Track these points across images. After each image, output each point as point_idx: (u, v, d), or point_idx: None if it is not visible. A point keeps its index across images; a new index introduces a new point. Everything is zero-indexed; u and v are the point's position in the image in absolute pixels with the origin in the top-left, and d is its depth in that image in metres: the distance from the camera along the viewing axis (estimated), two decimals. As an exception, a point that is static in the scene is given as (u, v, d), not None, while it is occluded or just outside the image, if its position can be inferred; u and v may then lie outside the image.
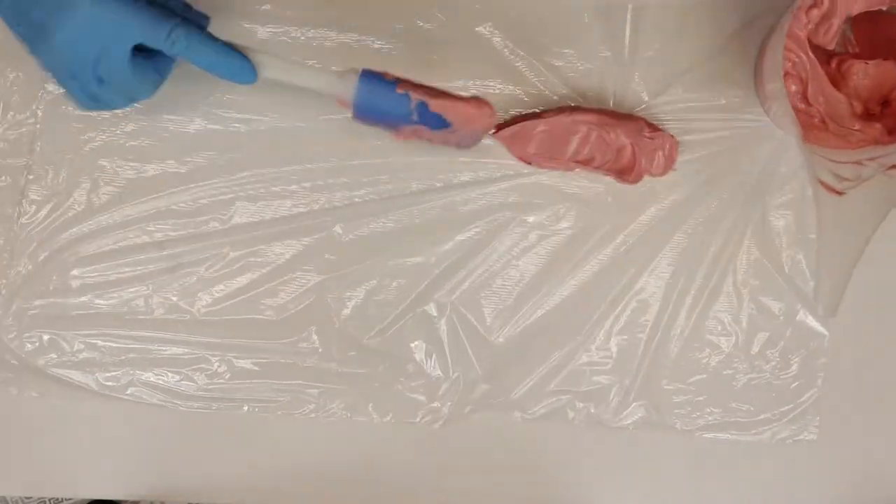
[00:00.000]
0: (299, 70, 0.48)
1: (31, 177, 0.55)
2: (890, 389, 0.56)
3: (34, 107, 0.55)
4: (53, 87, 0.55)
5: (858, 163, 0.48)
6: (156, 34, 0.44)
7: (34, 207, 0.55)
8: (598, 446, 0.56)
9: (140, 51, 0.46)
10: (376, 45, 0.54)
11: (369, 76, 0.48)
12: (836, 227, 0.47)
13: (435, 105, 0.48)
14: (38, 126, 0.55)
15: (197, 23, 0.47)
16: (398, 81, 0.48)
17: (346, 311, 0.55)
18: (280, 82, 0.48)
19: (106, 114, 0.55)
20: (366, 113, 0.49)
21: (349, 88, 0.48)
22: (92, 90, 0.46)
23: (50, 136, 0.55)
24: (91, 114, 0.55)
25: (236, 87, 0.49)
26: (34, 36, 0.44)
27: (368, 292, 0.55)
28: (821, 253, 0.47)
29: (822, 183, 0.47)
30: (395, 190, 0.55)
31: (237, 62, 0.47)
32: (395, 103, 0.48)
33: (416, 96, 0.48)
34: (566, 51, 0.55)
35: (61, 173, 0.55)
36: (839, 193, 0.46)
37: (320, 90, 0.49)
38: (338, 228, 0.55)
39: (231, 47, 0.47)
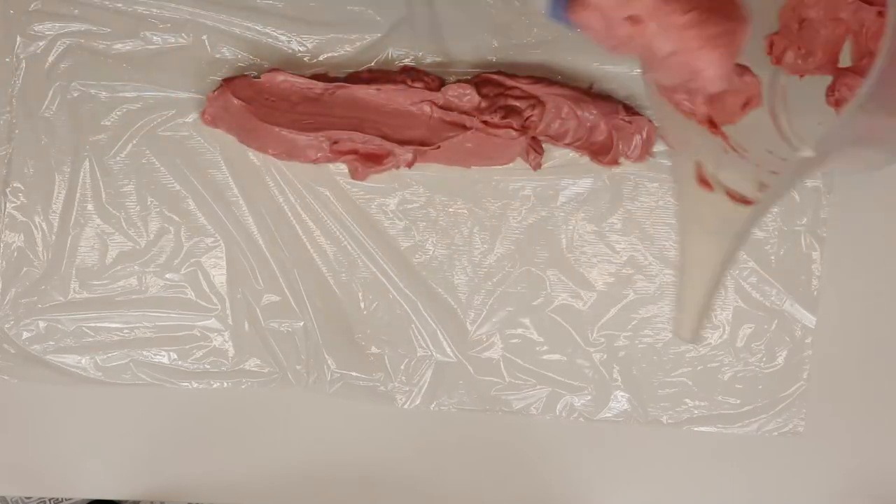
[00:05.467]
0: None
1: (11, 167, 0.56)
2: (877, 381, 0.55)
3: (10, 92, 0.56)
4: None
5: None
6: None
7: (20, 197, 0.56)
8: (586, 440, 0.56)
9: None
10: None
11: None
12: (713, 236, 0.42)
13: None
14: (13, 113, 0.56)
15: None
16: None
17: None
18: None
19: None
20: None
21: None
22: None
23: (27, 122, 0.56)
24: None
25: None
26: None
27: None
28: (688, 268, 0.43)
29: (730, 194, 0.42)
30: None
31: None
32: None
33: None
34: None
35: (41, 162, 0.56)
36: (748, 203, 0.42)
37: None
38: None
39: None
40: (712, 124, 0.45)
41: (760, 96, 0.47)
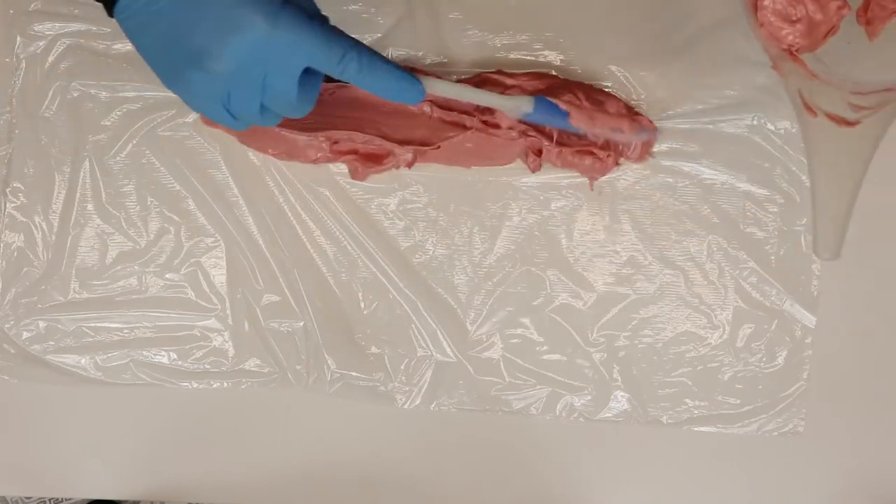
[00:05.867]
0: (466, 91, 0.48)
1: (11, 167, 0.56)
2: (877, 381, 0.56)
3: (10, 92, 0.56)
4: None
5: (890, 89, 0.44)
6: (328, 58, 0.40)
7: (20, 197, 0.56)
8: (586, 440, 0.56)
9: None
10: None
11: (544, 105, 0.49)
12: (833, 158, 0.44)
13: (601, 135, 0.52)
14: (13, 113, 0.56)
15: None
16: (570, 113, 0.50)
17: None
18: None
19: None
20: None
21: (518, 112, 0.49)
22: (248, 119, 0.42)
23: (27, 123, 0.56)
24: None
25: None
26: (186, 65, 0.39)
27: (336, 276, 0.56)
28: (817, 189, 0.45)
29: (830, 116, 0.44)
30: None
31: (406, 84, 0.43)
32: (561, 128, 0.51)
33: (585, 128, 0.50)
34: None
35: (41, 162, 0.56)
36: (851, 125, 0.44)
37: (486, 104, 0.49)
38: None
39: (396, 66, 0.43)
40: (790, 52, 0.46)
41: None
